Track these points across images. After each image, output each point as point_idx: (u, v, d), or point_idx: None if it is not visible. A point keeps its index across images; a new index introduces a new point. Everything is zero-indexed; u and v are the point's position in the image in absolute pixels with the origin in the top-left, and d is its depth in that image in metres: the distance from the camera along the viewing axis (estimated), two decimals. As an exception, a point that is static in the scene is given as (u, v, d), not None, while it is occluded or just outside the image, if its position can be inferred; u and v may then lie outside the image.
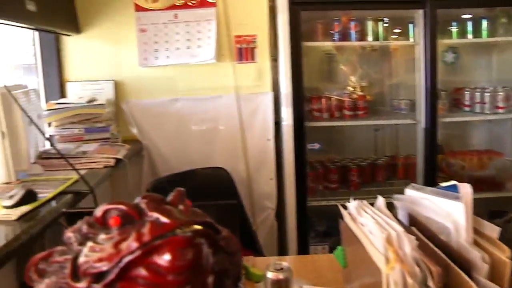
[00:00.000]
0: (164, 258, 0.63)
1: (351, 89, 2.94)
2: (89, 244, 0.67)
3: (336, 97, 2.89)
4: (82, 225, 0.70)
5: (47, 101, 2.63)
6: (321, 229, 2.96)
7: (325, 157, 3.03)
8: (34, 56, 2.69)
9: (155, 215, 0.67)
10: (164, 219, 0.66)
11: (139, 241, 0.64)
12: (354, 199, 1.12)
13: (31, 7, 2.08)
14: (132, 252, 0.64)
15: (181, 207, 0.72)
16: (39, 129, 1.86)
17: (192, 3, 2.67)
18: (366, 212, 1.04)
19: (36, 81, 2.69)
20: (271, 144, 2.77)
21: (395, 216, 1.04)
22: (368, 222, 0.97)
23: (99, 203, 1.78)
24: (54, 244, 0.72)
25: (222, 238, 0.72)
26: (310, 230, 2.87)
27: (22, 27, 2.31)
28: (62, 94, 2.72)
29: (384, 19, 2.82)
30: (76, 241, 0.70)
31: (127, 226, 0.67)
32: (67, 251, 0.71)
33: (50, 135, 2.55)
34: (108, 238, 0.67)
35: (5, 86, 1.67)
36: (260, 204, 2.83)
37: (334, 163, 2.98)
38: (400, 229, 0.88)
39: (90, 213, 1.41)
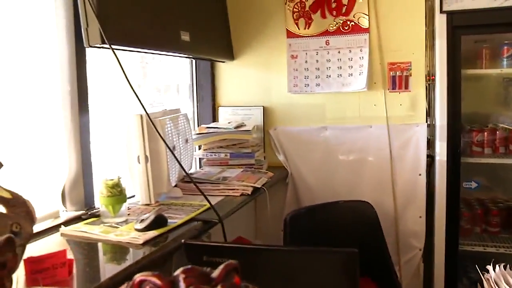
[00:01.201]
0: None
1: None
2: None
3: (506, 126, 2.56)
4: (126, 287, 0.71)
5: (199, 124, 2.77)
6: (475, 277, 2.66)
7: (486, 195, 2.72)
8: (191, 80, 2.85)
9: None
10: None
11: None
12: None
13: (186, 37, 2.19)
14: None
15: None
16: (175, 158, 1.91)
17: (344, 29, 2.59)
18: (509, 284, 0.86)
19: (191, 105, 2.84)
20: (423, 179, 2.56)
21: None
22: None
23: (238, 229, 1.78)
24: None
25: None
26: (462, 277, 2.60)
27: (178, 56, 2.45)
28: (214, 118, 2.84)
29: None
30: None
31: None
32: None
33: (199, 158, 2.67)
34: None
35: (147, 114, 1.75)
36: (406, 243, 2.63)
37: (496, 203, 2.65)
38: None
39: (208, 247, 1.38)
